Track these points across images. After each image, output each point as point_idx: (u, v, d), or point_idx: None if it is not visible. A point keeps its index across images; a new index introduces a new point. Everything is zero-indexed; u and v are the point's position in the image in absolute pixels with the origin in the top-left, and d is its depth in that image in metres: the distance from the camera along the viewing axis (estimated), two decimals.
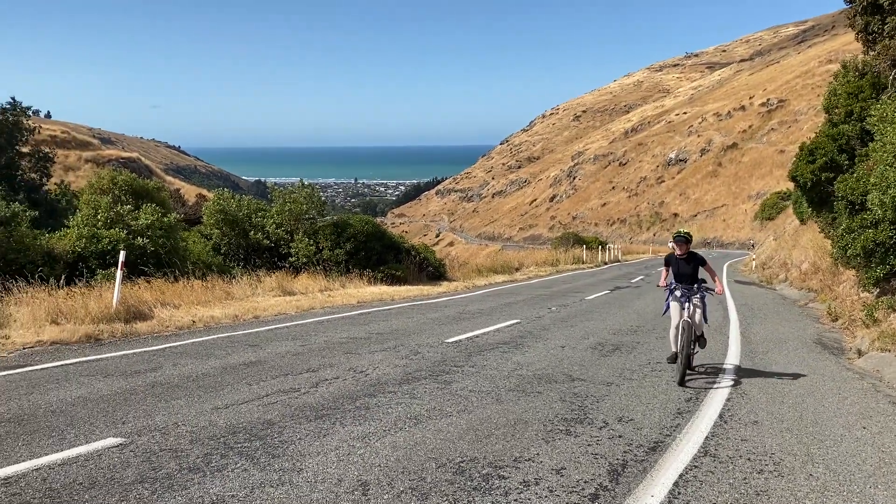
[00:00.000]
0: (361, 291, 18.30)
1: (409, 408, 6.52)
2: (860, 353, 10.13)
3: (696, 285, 8.42)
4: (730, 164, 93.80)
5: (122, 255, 11.87)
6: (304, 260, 20.49)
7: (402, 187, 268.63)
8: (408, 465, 4.95)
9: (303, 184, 22.94)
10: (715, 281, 8.79)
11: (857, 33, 16.47)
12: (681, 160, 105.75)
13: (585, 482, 4.75)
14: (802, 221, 28.76)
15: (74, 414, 6.03)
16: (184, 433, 5.56)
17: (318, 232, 21.28)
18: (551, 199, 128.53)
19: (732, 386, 7.93)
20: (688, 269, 8.45)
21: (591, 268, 37.27)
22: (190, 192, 60.47)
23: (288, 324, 12.27)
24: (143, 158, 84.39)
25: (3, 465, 4.74)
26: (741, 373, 8.73)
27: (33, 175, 35.01)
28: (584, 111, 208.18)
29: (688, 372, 8.17)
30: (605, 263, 41.73)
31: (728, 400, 7.24)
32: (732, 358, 9.80)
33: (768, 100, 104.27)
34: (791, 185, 26.60)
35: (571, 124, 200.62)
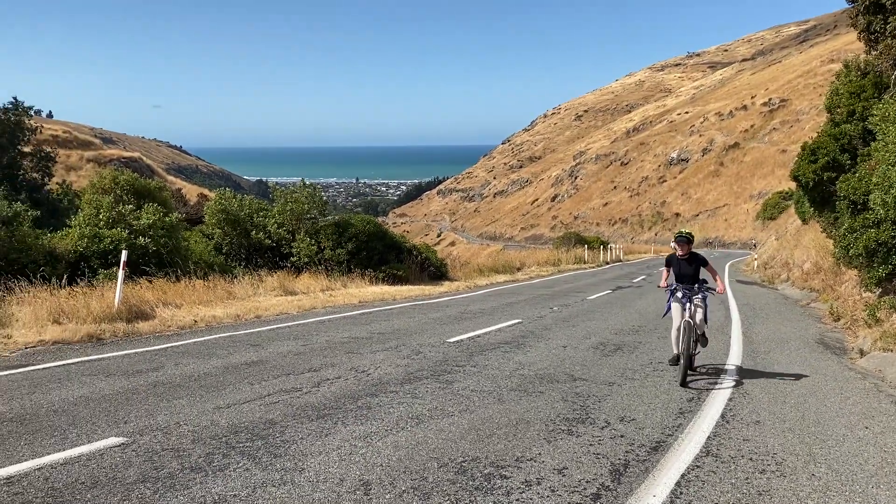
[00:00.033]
0: (363, 291, 18.31)
1: (410, 407, 6.52)
2: (862, 353, 10.12)
3: (697, 285, 8.42)
4: (731, 163, 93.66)
5: (123, 255, 11.87)
6: (306, 260, 20.49)
7: (404, 187, 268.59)
8: (410, 465, 4.95)
9: (304, 183, 22.91)
10: (716, 281, 8.78)
11: (859, 33, 16.45)
12: (682, 160, 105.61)
13: (587, 482, 4.75)
14: (804, 221, 28.73)
15: (76, 413, 6.03)
16: (186, 433, 5.56)
17: (319, 232, 21.28)
18: (553, 199, 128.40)
19: (734, 386, 7.92)
20: (689, 270, 8.45)
21: (593, 267, 37.26)
22: (191, 191, 60.59)
23: (290, 323, 12.27)
24: (144, 158, 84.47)
25: (5, 464, 4.74)
26: (743, 373, 8.72)
27: (35, 175, 35.05)
28: (585, 111, 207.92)
29: (689, 372, 8.17)
30: (607, 263, 41.71)
31: (730, 400, 7.23)
32: (734, 358, 9.79)
33: (770, 99, 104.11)
34: (793, 185, 26.57)
35: (573, 124, 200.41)
